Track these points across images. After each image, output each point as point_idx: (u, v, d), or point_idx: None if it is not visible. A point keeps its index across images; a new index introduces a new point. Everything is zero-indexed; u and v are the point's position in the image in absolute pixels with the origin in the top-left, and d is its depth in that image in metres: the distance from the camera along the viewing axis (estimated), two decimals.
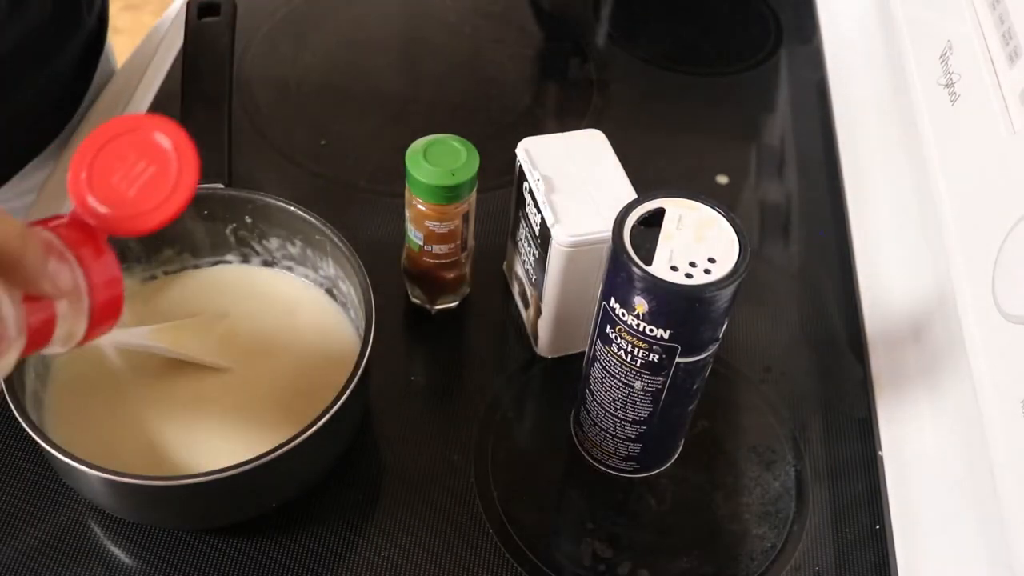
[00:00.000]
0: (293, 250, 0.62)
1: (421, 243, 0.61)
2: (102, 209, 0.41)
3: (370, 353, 0.54)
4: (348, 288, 0.60)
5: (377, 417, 0.62)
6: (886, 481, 0.60)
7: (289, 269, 0.64)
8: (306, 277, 0.63)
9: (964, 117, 0.61)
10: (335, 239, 0.59)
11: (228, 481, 0.49)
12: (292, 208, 0.60)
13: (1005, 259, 0.53)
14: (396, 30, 0.91)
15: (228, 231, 0.62)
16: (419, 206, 0.59)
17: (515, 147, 0.61)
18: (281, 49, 0.87)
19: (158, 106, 0.79)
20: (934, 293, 0.66)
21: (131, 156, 0.41)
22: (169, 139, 0.41)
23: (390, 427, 0.62)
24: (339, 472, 0.59)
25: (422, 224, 0.60)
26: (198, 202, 0.60)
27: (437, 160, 0.59)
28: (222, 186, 0.60)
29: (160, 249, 0.62)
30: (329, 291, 0.63)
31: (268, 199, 0.61)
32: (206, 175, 0.59)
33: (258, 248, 0.63)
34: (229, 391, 0.58)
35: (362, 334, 0.55)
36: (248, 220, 0.62)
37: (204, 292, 0.63)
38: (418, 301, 0.66)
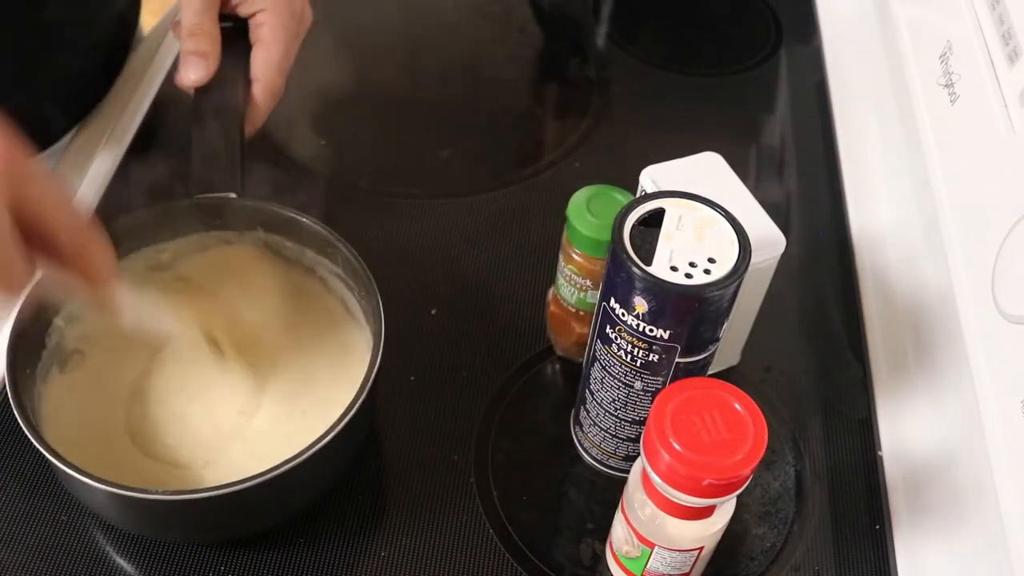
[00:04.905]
0: (305, 260, 0.62)
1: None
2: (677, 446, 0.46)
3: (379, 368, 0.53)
4: (358, 299, 0.60)
5: (377, 417, 0.62)
6: (886, 481, 0.60)
7: (305, 279, 0.63)
8: (319, 288, 0.63)
9: (964, 117, 0.61)
10: (347, 252, 0.58)
11: (232, 496, 0.49)
12: (305, 220, 0.60)
13: (1005, 259, 0.53)
14: (396, 30, 0.91)
15: (243, 239, 0.62)
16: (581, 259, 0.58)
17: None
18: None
19: (165, 113, 0.79)
20: (934, 293, 0.66)
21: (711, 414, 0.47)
22: (745, 410, 0.47)
23: (390, 427, 0.62)
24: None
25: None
26: (210, 212, 0.60)
27: (602, 213, 0.57)
28: (234, 196, 0.60)
29: (175, 238, 0.62)
30: (340, 299, 0.62)
31: (281, 211, 0.60)
32: (218, 185, 0.60)
33: (274, 259, 0.63)
34: (235, 394, 0.58)
35: (371, 341, 0.55)
36: (261, 231, 0.61)
37: (217, 272, 0.62)
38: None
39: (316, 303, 0.62)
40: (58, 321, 0.57)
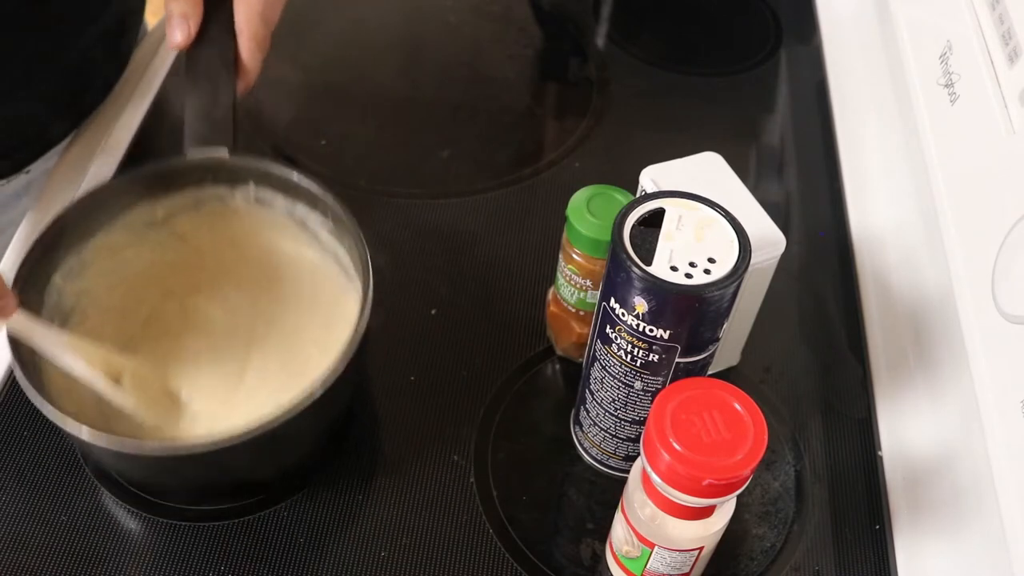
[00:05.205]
0: (296, 214, 0.63)
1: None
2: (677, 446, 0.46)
3: (368, 326, 0.54)
4: (348, 252, 0.61)
5: (377, 417, 0.62)
6: (886, 481, 0.61)
7: (297, 235, 0.64)
8: (311, 245, 0.64)
9: (964, 117, 0.61)
10: (334, 203, 0.59)
11: (224, 451, 0.50)
12: (294, 174, 0.61)
13: (1005, 259, 0.53)
14: (396, 30, 0.91)
15: (235, 194, 0.63)
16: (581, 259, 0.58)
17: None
18: (281, 49, 0.86)
19: (165, 112, 0.79)
20: (934, 293, 0.66)
21: (711, 414, 0.47)
22: (746, 411, 0.47)
23: (390, 427, 0.62)
24: (339, 471, 0.59)
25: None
26: (202, 167, 0.61)
27: (602, 213, 0.57)
28: (226, 151, 0.61)
29: (169, 194, 0.63)
30: (334, 255, 0.63)
31: (272, 165, 0.61)
32: (210, 140, 0.61)
33: (266, 214, 0.64)
34: (233, 352, 0.60)
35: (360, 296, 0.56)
36: (252, 185, 0.62)
37: (211, 230, 0.64)
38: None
39: (310, 261, 0.63)
40: (56, 278, 0.58)
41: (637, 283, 0.47)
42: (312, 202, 0.61)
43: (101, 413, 0.56)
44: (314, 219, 0.62)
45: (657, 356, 0.50)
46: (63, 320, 0.58)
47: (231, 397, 0.58)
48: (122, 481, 0.58)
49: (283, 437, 0.51)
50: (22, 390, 0.56)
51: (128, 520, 0.56)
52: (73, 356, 0.54)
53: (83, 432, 0.50)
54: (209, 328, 0.61)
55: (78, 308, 0.59)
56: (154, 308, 0.62)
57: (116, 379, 0.56)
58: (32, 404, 0.56)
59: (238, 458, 0.52)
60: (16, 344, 0.52)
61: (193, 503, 0.57)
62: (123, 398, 0.55)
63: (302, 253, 0.64)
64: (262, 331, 0.61)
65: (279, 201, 0.62)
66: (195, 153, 0.60)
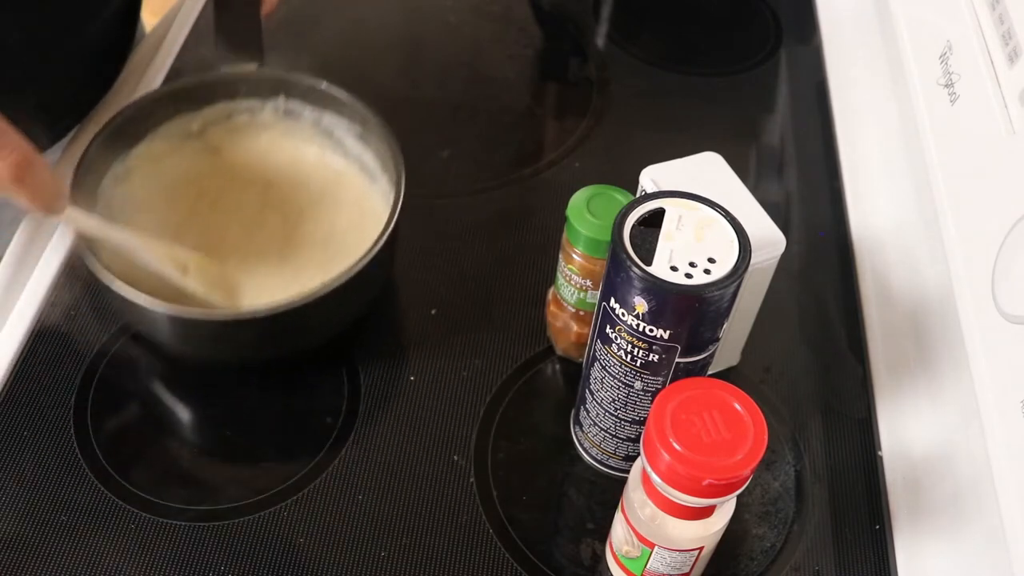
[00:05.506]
0: (323, 124, 0.67)
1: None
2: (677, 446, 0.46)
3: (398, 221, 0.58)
4: (376, 156, 0.65)
5: (377, 417, 0.62)
6: (886, 481, 0.60)
7: (323, 144, 0.68)
8: (335, 152, 0.68)
9: (964, 117, 0.61)
10: (362, 107, 0.64)
11: (278, 317, 0.55)
12: (323, 84, 0.66)
13: (1005, 259, 0.53)
14: (396, 30, 0.91)
15: (265, 107, 0.67)
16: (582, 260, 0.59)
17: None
18: (281, 49, 0.87)
19: None
20: (934, 293, 0.66)
21: (711, 414, 0.47)
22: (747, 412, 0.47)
23: (390, 427, 0.62)
24: (339, 471, 0.59)
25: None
26: (234, 82, 0.66)
27: (602, 213, 0.57)
28: (255, 65, 0.65)
29: (205, 107, 0.67)
30: (360, 164, 0.67)
31: (301, 78, 0.66)
32: (240, 56, 0.66)
33: (293, 125, 0.68)
34: (267, 251, 0.64)
35: (390, 198, 0.60)
36: (283, 98, 0.67)
37: (244, 142, 0.68)
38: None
39: (334, 167, 0.68)
40: (106, 182, 0.63)
41: (637, 283, 0.47)
42: (339, 109, 0.66)
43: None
44: (341, 127, 0.67)
45: (657, 356, 0.50)
46: (111, 221, 0.62)
47: (277, 284, 0.62)
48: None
49: (336, 300, 0.56)
50: (21, 388, 0.56)
51: (128, 520, 0.56)
52: (148, 252, 0.59)
53: (147, 300, 0.54)
54: (243, 229, 0.65)
55: (123, 212, 0.64)
56: (188, 213, 0.66)
57: (183, 271, 0.61)
58: (31, 404, 0.56)
59: (300, 319, 0.57)
60: (81, 238, 0.57)
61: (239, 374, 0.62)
62: (192, 285, 0.60)
63: (326, 160, 0.68)
64: (291, 231, 0.65)
65: (307, 112, 0.67)
66: (227, 68, 0.65)
